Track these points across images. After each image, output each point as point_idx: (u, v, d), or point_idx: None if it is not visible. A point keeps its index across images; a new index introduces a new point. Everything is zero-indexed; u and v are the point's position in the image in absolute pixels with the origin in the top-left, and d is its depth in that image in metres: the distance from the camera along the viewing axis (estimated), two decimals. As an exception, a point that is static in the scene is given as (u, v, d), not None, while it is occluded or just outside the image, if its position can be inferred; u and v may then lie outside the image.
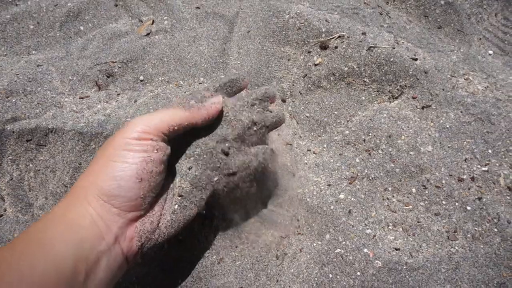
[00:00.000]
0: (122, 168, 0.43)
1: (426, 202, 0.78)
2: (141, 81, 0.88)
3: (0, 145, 0.76)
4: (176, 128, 0.48)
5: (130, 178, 0.43)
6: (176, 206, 0.50)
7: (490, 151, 0.84)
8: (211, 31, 0.97)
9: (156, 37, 0.95)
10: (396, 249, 0.71)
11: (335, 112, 0.89)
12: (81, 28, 0.97)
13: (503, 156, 0.83)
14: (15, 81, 0.82)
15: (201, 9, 1.01)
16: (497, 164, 0.82)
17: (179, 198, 0.50)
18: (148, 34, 0.96)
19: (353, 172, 0.80)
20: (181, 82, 0.87)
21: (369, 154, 0.83)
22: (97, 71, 0.87)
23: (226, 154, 0.55)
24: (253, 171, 0.59)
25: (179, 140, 0.53)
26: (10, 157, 0.76)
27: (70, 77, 0.86)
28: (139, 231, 0.46)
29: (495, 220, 0.75)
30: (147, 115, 0.48)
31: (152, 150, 0.45)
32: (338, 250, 0.69)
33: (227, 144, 0.55)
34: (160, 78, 0.89)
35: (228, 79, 0.62)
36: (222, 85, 0.61)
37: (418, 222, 0.75)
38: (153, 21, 0.99)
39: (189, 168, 0.51)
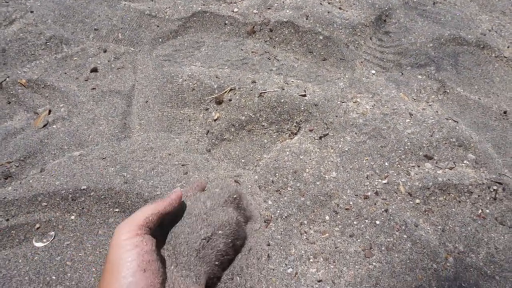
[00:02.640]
0: (126, 268, 0.51)
1: (340, 226, 0.82)
2: (40, 172, 0.86)
3: None
4: (150, 218, 0.58)
5: (135, 273, 0.51)
6: None
7: (386, 163, 0.92)
8: (109, 109, 0.99)
9: (54, 126, 0.95)
10: (319, 281, 0.74)
11: (243, 160, 0.93)
12: (-26, 133, 0.95)
13: (399, 165, 0.91)
14: None
15: (96, 89, 1.03)
16: (395, 174, 0.90)
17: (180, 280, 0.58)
18: (45, 125, 0.95)
19: (267, 215, 0.83)
20: (84, 167, 0.87)
21: (280, 193, 0.87)
22: (-6, 175, 0.85)
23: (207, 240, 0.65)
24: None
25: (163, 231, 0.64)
26: None
27: (-35, 188, 0.82)
28: None
29: (403, 227, 0.80)
30: (128, 218, 0.58)
31: (142, 244, 0.54)
32: (262, 298, 0.70)
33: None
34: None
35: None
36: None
37: (336, 248, 0.79)
38: (49, 111, 0.99)
39: (176, 253, 0.61)
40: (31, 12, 1.20)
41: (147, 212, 0.59)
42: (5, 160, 0.87)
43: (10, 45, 1.11)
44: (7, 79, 1.04)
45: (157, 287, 0.53)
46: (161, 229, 0.64)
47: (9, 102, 1.02)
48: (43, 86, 1.04)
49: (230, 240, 0.69)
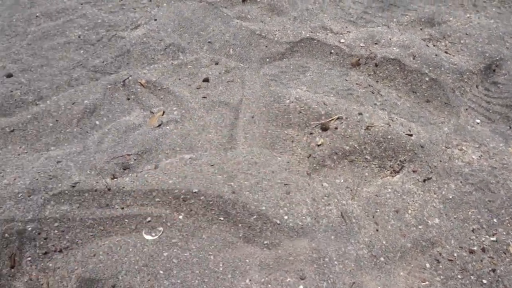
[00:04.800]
0: None
1: (441, 276, 0.79)
2: (154, 168, 0.92)
3: (20, 245, 0.78)
4: None
5: None
6: None
7: (495, 220, 0.87)
8: (218, 119, 1.04)
9: (168, 127, 1.02)
10: (420, 331, 0.71)
11: (341, 191, 0.93)
12: (97, 122, 1.04)
13: (509, 225, 0.86)
14: (37, 179, 0.86)
15: (207, 98, 1.10)
16: (504, 233, 0.85)
17: None
18: (160, 125, 1.02)
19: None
20: (194, 171, 0.92)
21: (377, 230, 0.85)
22: (114, 164, 0.92)
23: None
24: None
25: None
26: (29, 258, 0.77)
27: (88, 171, 0.90)
28: None
29: (512, 292, 0.76)
30: None
31: None
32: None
33: None
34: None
35: None
36: None
37: (437, 299, 0.76)
38: (163, 112, 1.06)
39: None
40: (155, 20, 1.31)
41: None
42: (125, 152, 0.94)
43: (134, 48, 1.22)
44: (130, 77, 1.13)
45: None
46: None
47: (128, 99, 1.11)
48: (159, 88, 1.12)
49: None
